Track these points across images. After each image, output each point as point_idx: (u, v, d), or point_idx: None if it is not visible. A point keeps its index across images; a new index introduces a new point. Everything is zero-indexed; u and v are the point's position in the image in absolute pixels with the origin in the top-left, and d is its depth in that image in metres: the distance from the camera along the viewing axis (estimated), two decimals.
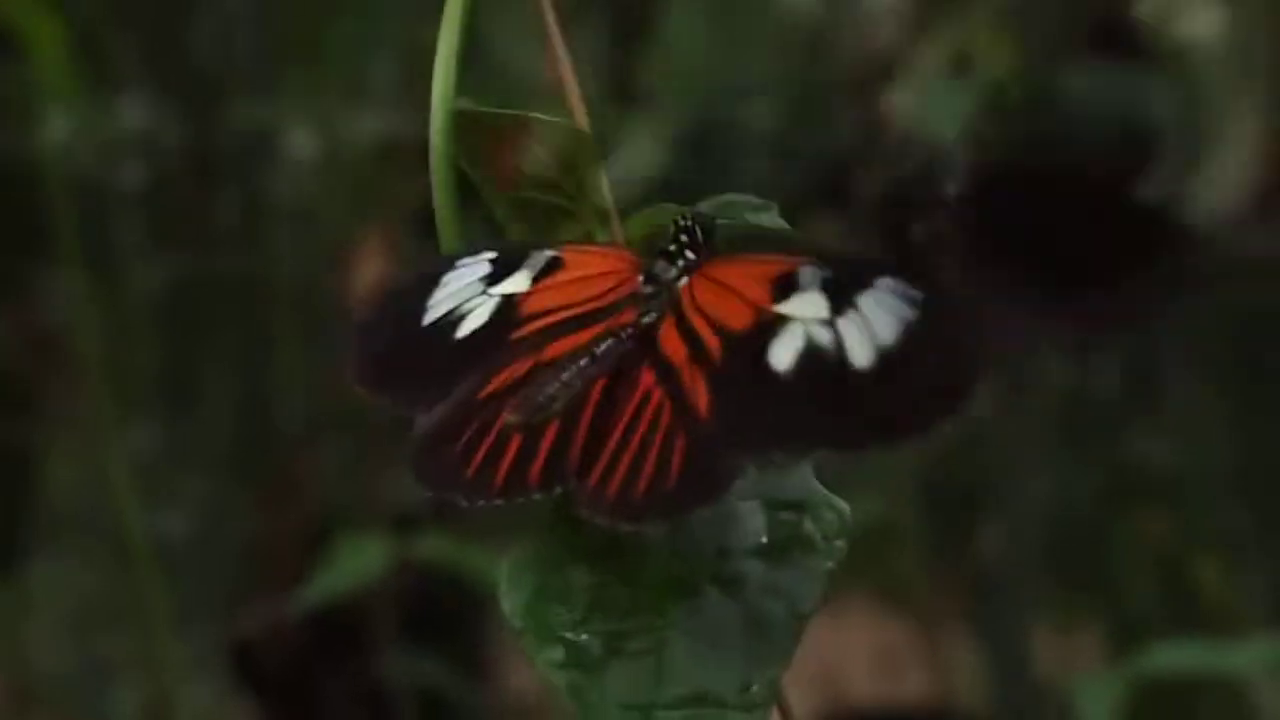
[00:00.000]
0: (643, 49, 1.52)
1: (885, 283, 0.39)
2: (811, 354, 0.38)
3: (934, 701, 1.68)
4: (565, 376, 0.39)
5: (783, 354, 0.38)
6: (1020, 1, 1.53)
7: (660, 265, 0.41)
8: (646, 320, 0.40)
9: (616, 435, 0.38)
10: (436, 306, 0.42)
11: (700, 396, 0.38)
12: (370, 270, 1.47)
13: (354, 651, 1.38)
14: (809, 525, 0.39)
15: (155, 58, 1.52)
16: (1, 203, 1.52)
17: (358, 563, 1.20)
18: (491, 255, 0.43)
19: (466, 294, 0.42)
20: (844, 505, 0.39)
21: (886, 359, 0.38)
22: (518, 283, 0.42)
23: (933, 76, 1.56)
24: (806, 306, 0.39)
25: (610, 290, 0.41)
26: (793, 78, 1.85)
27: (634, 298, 0.41)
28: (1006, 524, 1.60)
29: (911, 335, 0.38)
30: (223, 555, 1.48)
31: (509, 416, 0.39)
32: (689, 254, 0.41)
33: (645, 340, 0.40)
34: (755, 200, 0.45)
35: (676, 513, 0.38)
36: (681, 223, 0.41)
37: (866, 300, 0.38)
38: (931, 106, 1.42)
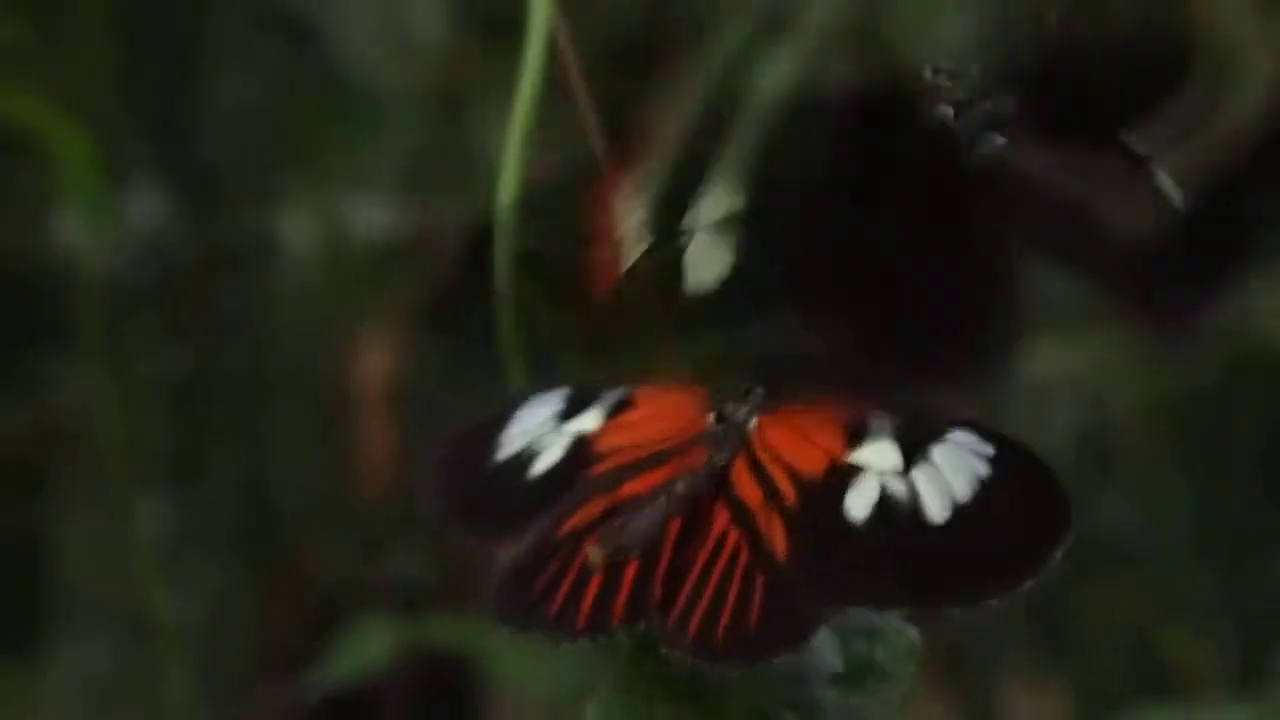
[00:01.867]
0: (633, 140, 1.51)
1: (958, 436, 0.38)
2: (887, 506, 0.37)
3: None
4: (645, 515, 0.38)
5: (858, 504, 0.37)
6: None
7: (730, 406, 0.40)
8: (719, 460, 0.39)
9: (695, 574, 0.38)
10: (510, 442, 0.42)
11: (777, 540, 0.37)
12: (371, 359, 1.46)
13: None
14: (880, 652, 0.38)
15: (163, 159, 1.51)
16: (13, 300, 1.51)
17: (366, 649, 1.19)
18: (566, 393, 0.42)
19: (540, 430, 0.42)
20: (913, 632, 0.39)
21: (963, 515, 0.37)
22: (590, 421, 0.41)
23: None
24: (879, 456, 0.38)
25: (680, 429, 0.40)
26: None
27: (705, 436, 0.40)
28: None
29: (989, 493, 0.37)
30: (232, 638, 1.47)
31: (591, 554, 0.38)
32: (759, 392, 0.40)
33: (718, 480, 0.39)
34: None
35: (758, 656, 0.37)
36: (749, 358, 0.41)
37: (940, 452, 0.38)
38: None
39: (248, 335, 1.52)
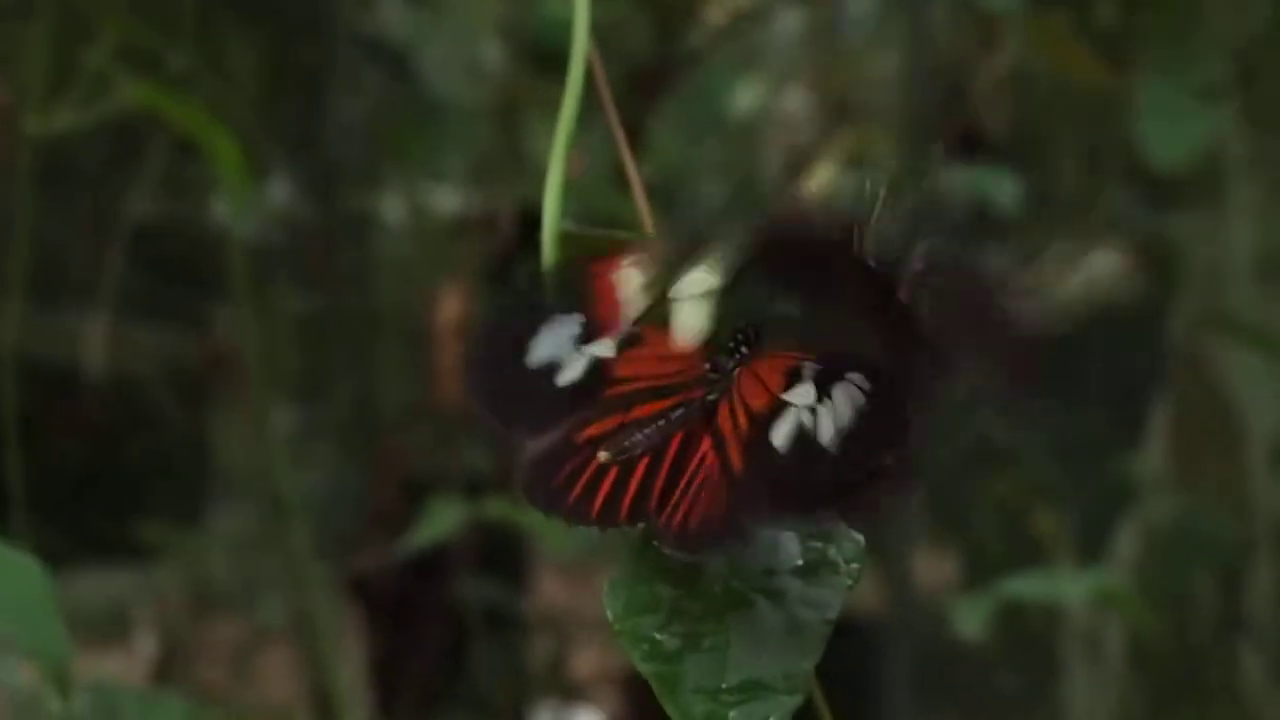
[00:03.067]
0: (637, 146, 1.48)
1: (850, 374, 0.35)
2: (798, 434, 0.34)
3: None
4: (648, 431, 0.36)
5: (780, 434, 0.35)
6: (904, 114, 1.50)
7: (722, 358, 0.37)
8: (710, 399, 0.37)
9: (682, 485, 0.35)
10: (537, 351, 0.38)
11: (735, 462, 0.35)
12: (449, 305, 1.44)
13: (438, 578, 1.35)
14: (833, 551, 0.36)
15: (293, 156, 1.49)
16: (183, 258, 1.50)
17: (442, 519, 1.17)
18: (582, 319, 0.38)
19: (562, 347, 0.38)
20: (859, 537, 0.36)
21: (842, 439, 0.34)
22: (605, 348, 0.38)
23: (835, 168, 1.54)
24: (801, 395, 0.35)
25: (682, 371, 0.38)
26: (736, 164, 1.83)
27: (701, 380, 0.37)
28: None
29: (856, 420, 0.34)
30: (342, 510, 1.45)
31: (601, 454, 0.36)
32: (744, 350, 0.37)
33: (707, 414, 0.36)
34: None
35: (715, 549, 0.35)
36: (741, 324, 0.38)
37: (837, 389, 0.35)
38: (843, 189, 1.40)
39: (356, 286, 1.50)
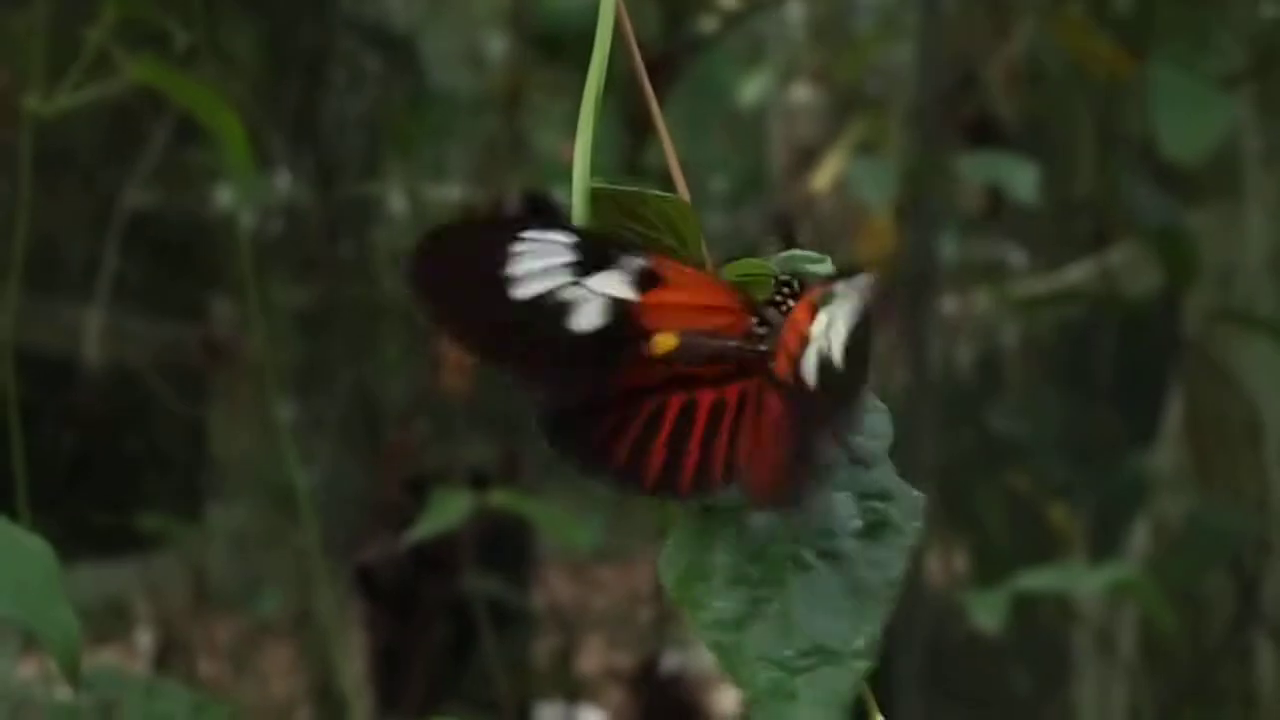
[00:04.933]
0: (645, 136, 1.47)
1: (840, 289, 0.33)
2: (820, 361, 0.32)
3: None
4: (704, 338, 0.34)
5: (810, 366, 0.33)
6: (911, 104, 1.49)
7: (770, 312, 0.35)
8: (764, 350, 0.35)
9: (765, 441, 0.33)
10: (522, 279, 0.34)
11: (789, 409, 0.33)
12: None
13: (443, 570, 1.34)
14: (893, 511, 0.34)
15: (297, 145, 1.48)
16: (185, 247, 1.49)
17: (447, 511, 1.15)
18: (568, 239, 0.34)
19: (556, 278, 0.34)
20: (920, 495, 0.34)
21: (846, 352, 0.32)
22: (617, 287, 0.34)
23: (848, 158, 1.52)
24: (819, 325, 0.33)
25: (728, 325, 0.35)
26: (743, 157, 1.82)
27: (750, 335, 0.35)
28: (906, 474, 1.55)
29: (850, 332, 0.32)
30: (345, 503, 1.44)
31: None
32: (790, 303, 0.35)
33: (765, 368, 0.34)
34: (813, 254, 0.40)
35: (812, 492, 0.33)
36: (784, 278, 0.36)
37: (833, 309, 0.33)
38: (855, 178, 1.38)
39: (357, 276, 1.49)
